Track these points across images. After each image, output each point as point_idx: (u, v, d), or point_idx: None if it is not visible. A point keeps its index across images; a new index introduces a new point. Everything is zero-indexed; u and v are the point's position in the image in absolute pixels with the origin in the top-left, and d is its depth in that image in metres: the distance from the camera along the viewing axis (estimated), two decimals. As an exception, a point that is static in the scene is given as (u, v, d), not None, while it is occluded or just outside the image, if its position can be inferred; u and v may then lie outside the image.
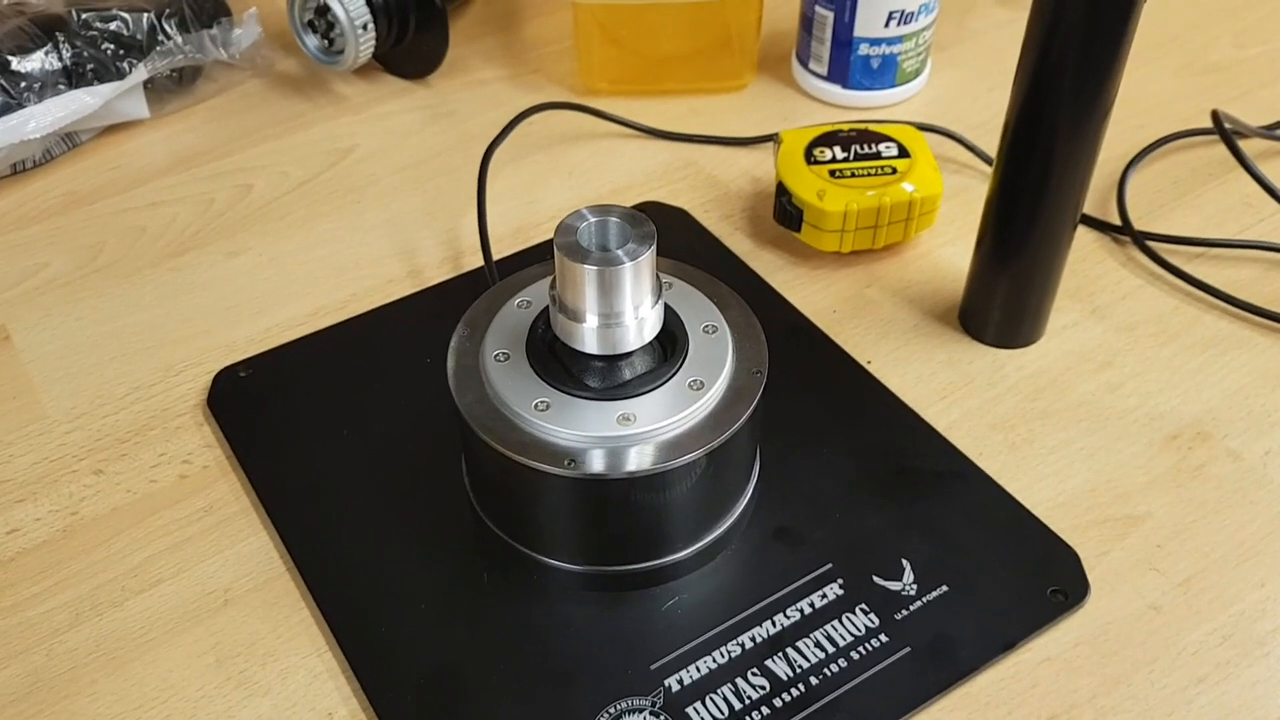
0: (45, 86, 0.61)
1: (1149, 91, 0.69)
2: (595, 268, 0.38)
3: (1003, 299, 0.52)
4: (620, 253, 0.39)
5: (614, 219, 0.40)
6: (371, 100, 0.69)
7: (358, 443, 0.49)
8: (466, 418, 0.41)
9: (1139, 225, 0.58)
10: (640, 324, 0.40)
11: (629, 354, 0.41)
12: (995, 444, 0.49)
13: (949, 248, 0.59)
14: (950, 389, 0.51)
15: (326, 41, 0.66)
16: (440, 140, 0.66)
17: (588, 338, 0.40)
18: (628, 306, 0.40)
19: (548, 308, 0.42)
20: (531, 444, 0.40)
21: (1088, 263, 0.58)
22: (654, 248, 0.39)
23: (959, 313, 0.54)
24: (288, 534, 0.45)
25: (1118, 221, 0.59)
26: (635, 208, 0.60)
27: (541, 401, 0.40)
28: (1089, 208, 0.60)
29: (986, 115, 0.67)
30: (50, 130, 0.61)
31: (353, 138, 0.67)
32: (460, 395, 0.41)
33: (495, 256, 0.57)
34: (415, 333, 0.54)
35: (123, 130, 0.66)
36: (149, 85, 0.66)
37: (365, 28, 0.64)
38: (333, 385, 0.51)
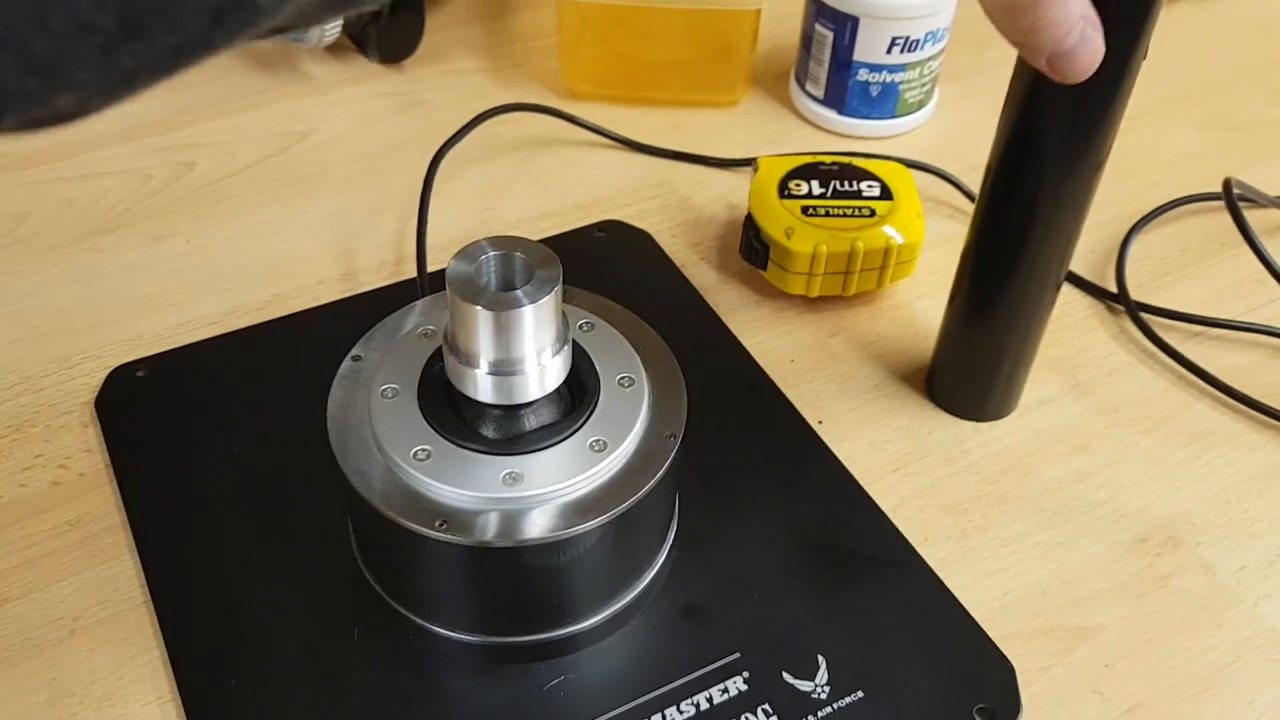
0: (-18, 41, 0.58)
1: (1167, 147, 0.63)
2: (489, 311, 0.34)
3: (972, 365, 0.47)
4: (520, 293, 0.34)
5: (518, 254, 0.36)
6: (339, 82, 0.65)
7: (246, 466, 0.45)
8: (338, 459, 0.37)
9: (1137, 295, 0.53)
10: (542, 372, 0.36)
11: (529, 404, 0.37)
12: (944, 529, 0.44)
13: (926, 300, 0.54)
14: (904, 461, 0.47)
15: (290, 17, 0.62)
16: (405, 131, 0.62)
17: (480, 384, 0.36)
18: (528, 353, 0.35)
19: (444, 343, 0.38)
20: (402, 497, 0.35)
21: (1075, 331, 0.53)
22: (558, 289, 0.35)
23: (925, 376, 0.50)
24: (150, 562, 0.41)
25: (1114, 288, 0.54)
26: (595, 226, 0.56)
27: (423, 450, 0.36)
28: (1084, 270, 0.55)
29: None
30: (-16, 88, 0.57)
31: (312, 121, 0.62)
32: (338, 434, 0.37)
33: (439, 265, 0.53)
34: (334, 344, 0.49)
35: (69, 93, 0.63)
36: (100, 48, 0.62)
37: (329, 6, 0.60)
38: (232, 396, 0.47)
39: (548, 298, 0.35)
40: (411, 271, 0.54)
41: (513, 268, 0.36)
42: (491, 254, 0.36)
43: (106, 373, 0.48)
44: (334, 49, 0.66)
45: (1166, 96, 0.67)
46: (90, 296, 0.52)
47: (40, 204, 0.57)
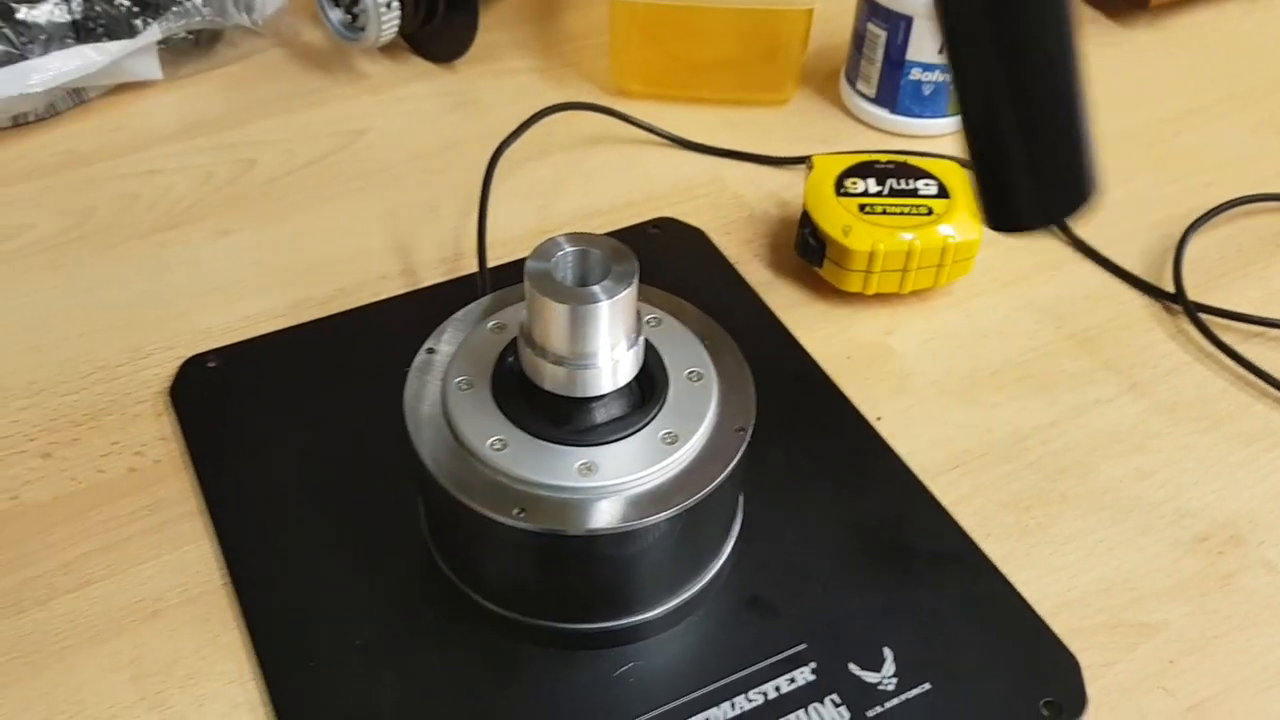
0: (51, 39, 0.59)
1: (1220, 148, 0.63)
2: (566, 305, 0.35)
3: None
4: (597, 289, 0.35)
5: (595, 250, 0.36)
6: (393, 81, 0.66)
7: (319, 454, 0.45)
8: (416, 448, 0.37)
9: (1194, 295, 0.54)
10: (615, 366, 0.37)
11: (601, 396, 0.37)
12: (1005, 526, 0.45)
13: (983, 298, 0.54)
14: (963, 458, 0.47)
15: (350, 16, 0.63)
16: (459, 130, 0.63)
17: (555, 377, 0.37)
18: (602, 347, 0.36)
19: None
20: (480, 486, 0.36)
21: (1133, 330, 0.53)
22: (635, 286, 0.36)
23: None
24: (229, 546, 0.42)
25: (1171, 288, 0.54)
26: (649, 223, 0.57)
27: (499, 440, 0.37)
28: (1141, 270, 0.55)
29: (1043, 156, 0.62)
30: (53, 85, 0.59)
31: (368, 120, 0.63)
32: (414, 423, 0.38)
33: (498, 262, 0.53)
34: (398, 338, 0.50)
35: (132, 90, 0.64)
36: (163, 46, 0.63)
37: (389, 5, 0.61)
38: (303, 386, 0.48)
39: (624, 294, 0.35)
40: (469, 267, 0.55)
41: (588, 263, 0.37)
42: (568, 250, 0.36)
43: (178, 363, 0.49)
44: (387, 49, 0.67)
45: (1219, 98, 0.67)
46: (158, 290, 0.53)
47: (105, 200, 0.58)
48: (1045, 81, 0.32)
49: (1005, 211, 0.34)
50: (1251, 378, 0.50)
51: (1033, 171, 0.33)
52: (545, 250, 0.36)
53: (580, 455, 0.37)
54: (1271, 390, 0.50)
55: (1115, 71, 0.69)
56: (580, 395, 0.37)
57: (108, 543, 0.43)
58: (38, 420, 0.47)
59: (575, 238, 0.36)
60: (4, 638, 0.40)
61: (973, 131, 0.34)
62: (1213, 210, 0.58)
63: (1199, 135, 0.65)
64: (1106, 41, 0.72)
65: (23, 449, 0.46)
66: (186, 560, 0.43)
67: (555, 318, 0.35)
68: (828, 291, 0.54)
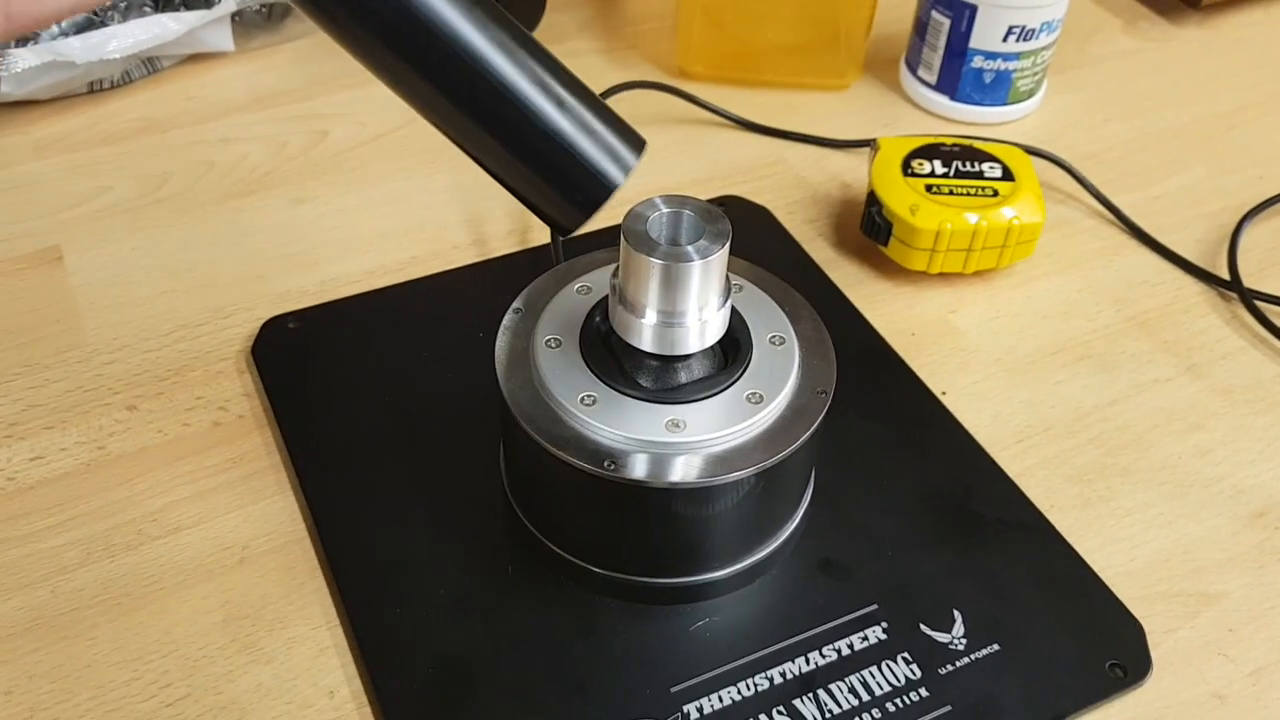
0: (130, 8, 0.60)
1: (1273, 141, 0.64)
2: (662, 262, 0.36)
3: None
4: (690, 249, 0.36)
5: (688, 211, 0.37)
6: (459, 59, 0.67)
7: (398, 412, 0.47)
8: (509, 403, 0.38)
9: (1249, 282, 0.54)
10: (703, 326, 0.38)
11: (687, 356, 0.39)
12: (1069, 497, 0.46)
13: (1044, 281, 0.55)
14: (1027, 433, 0.48)
15: (420, -7, 0.64)
16: (524, 108, 0.64)
17: (646, 334, 0.38)
18: (692, 306, 0.37)
19: (607, 296, 0.40)
20: (572, 439, 0.37)
21: (1189, 315, 0.54)
22: (727, 247, 0.37)
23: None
24: (314, 497, 0.43)
25: (1226, 275, 0.55)
26: (715, 201, 0.58)
27: (589, 395, 0.38)
28: (1196, 257, 0.56)
29: (1099, 147, 0.63)
30: (131, 52, 0.60)
31: (435, 95, 0.64)
32: (505, 378, 0.39)
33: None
34: (472, 305, 0.52)
35: (205, 61, 0.65)
36: (236, 18, 0.64)
37: (461, -17, 0.62)
38: (381, 349, 0.49)
39: (717, 254, 0.36)
40: (537, 240, 0.56)
41: (681, 224, 0.38)
42: (664, 210, 0.37)
43: (259, 324, 0.50)
44: (454, 27, 0.68)
45: (1270, 94, 0.68)
46: (237, 253, 0.54)
47: (182, 166, 0.59)
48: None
49: (551, 223, 0.36)
50: (1309, 362, 0.51)
51: (540, 192, 0.35)
52: (641, 210, 0.37)
53: (668, 413, 0.38)
54: (1329, 375, 0.51)
55: (1168, 68, 0.70)
56: (669, 354, 0.38)
57: (194, 492, 0.44)
58: (121, 375, 0.48)
59: (670, 199, 0.37)
60: (94, 581, 0.41)
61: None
62: (1266, 201, 0.59)
63: (1251, 129, 0.66)
64: (1159, 39, 0.73)
65: (108, 401, 0.47)
66: (271, 511, 0.44)
67: (650, 275, 0.36)
68: (891, 270, 0.55)
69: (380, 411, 0.47)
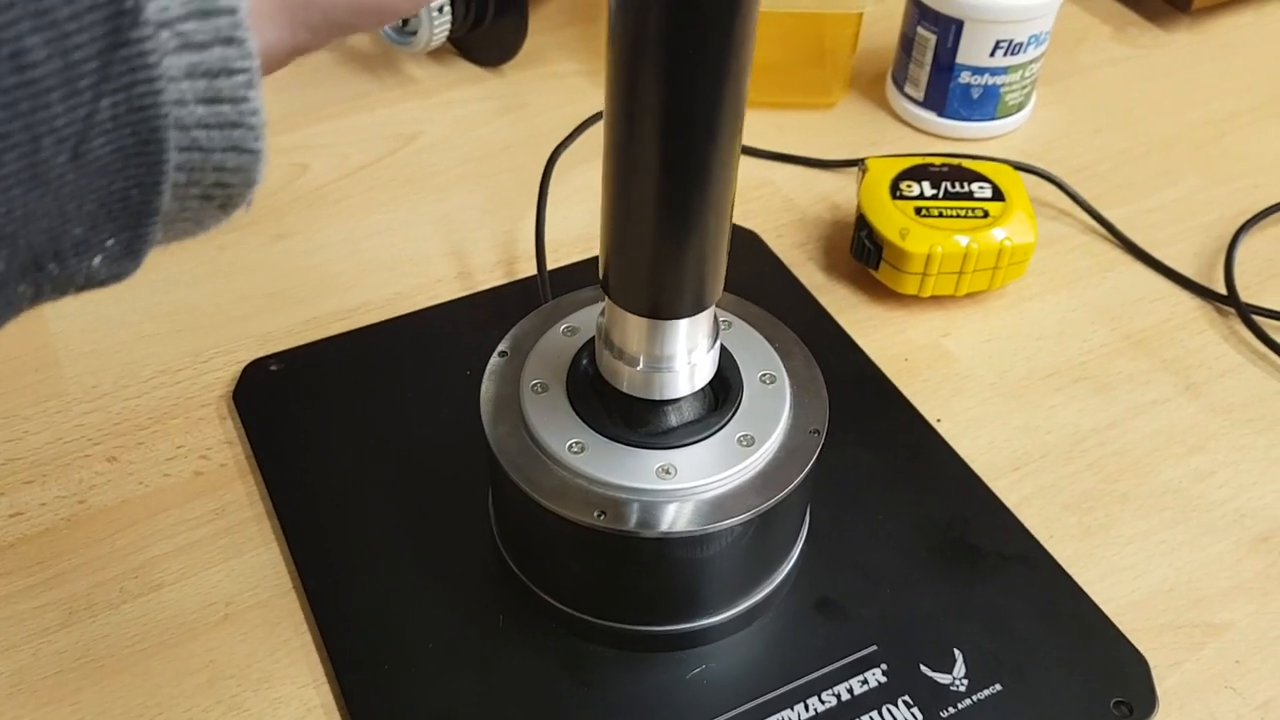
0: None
1: (1267, 149, 0.64)
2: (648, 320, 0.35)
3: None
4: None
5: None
6: (441, 85, 0.66)
7: (384, 456, 0.46)
8: (496, 452, 0.38)
9: (1246, 296, 0.54)
10: (692, 370, 0.37)
11: (677, 399, 0.38)
12: (1068, 526, 0.45)
13: (1037, 301, 0.54)
14: (1024, 460, 0.47)
15: (401, 21, 0.64)
16: (508, 134, 0.63)
17: (632, 379, 0.37)
18: (680, 351, 0.36)
19: (593, 338, 0.39)
20: (562, 489, 0.36)
21: (1187, 332, 0.53)
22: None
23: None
24: (297, 549, 0.43)
25: (1223, 290, 0.54)
26: (703, 227, 0.57)
27: (577, 443, 0.37)
28: (1192, 271, 0.56)
29: (1090, 159, 0.63)
30: (107, 90, 0.59)
31: (418, 124, 0.64)
32: (492, 425, 0.38)
33: (553, 265, 0.54)
34: (459, 341, 0.51)
35: (183, 95, 0.64)
36: (214, 51, 0.63)
37: (441, 10, 0.61)
38: (366, 390, 0.48)
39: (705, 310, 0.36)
40: (524, 270, 0.55)
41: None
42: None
43: (240, 367, 0.49)
44: (434, 53, 0.67)
45: (1262, 100, 0.67)
46: (219, 293, 0.53)
47: (162, 203, 0.58)
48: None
49: None
50: (1309, 379, 0.50)
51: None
52: (625, 256, 0.36)
53: (659, 458, 0.37)
54: (1330, 392, 0.50)
55: (1159, 75, 0.69)
56: (657, 398, 0.37)
57: (176, 546, 0.43)
58: (101, 424, 0.48)
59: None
60: (76, 643, 0.40)
61: None
62: (1262, 212, 0.58)
63: (1244, 137, 0.65)
64: (1149, 45, 0.72)
65: (88, 453, 0.46)
66: (255, 564, 0.43)
67: (636, 321, 0.35)
68: (882, 294, 0.54)
69: (366, 456, 0.46)
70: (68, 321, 0.52)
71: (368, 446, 0.46)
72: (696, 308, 0.35)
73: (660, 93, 0.31)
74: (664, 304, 0.35)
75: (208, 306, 0.53)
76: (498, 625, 0.41)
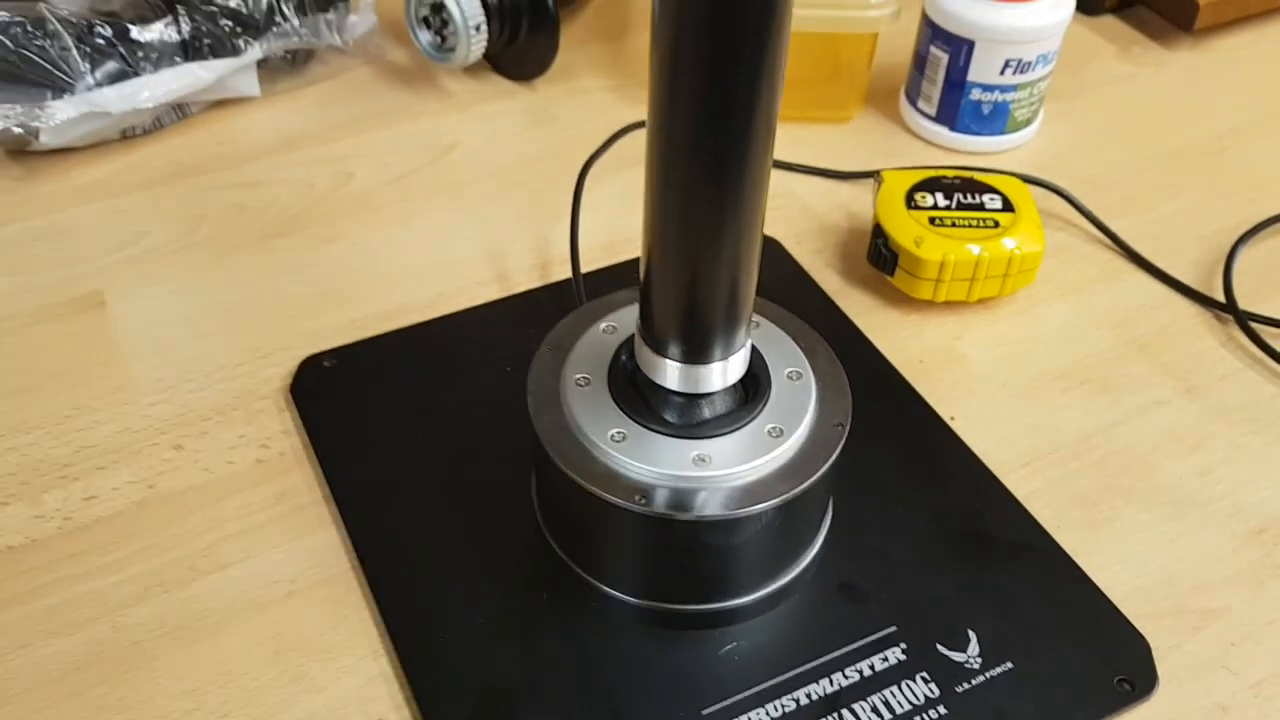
0: (162, 57, 0.62)
1: (1266, 163, 0.67)
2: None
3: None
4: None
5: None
6: (476, 99, 0.69)
7: (433, 446, 0.49)
8: (543, 441, 0.41)
9: (1245, 304, 0.57)
10: (725, 366, 0.40)
11: (711, 393, 0.41)
12: (1075, 519, 0.48)
13: (1046, 307, 0.57)
14: (1033, 456, 0.50)
15: (439, 38, 0.67)
16: (540, 145, 0.66)
17: (671, 374, 0.40)
18: (717, 352, 0.39)
19: (632, 336, 0.42)
20: (605, 475, 0.40)
21: (1187, 338, 0.56)
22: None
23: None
24: (356, 531, 0.46)
25: (1222, 298, 0.57)
26: (729, 235, 0.60)
27: (618, 432, 0.40)
28: (1192, 280, 0.58)
29: (1096, 172, 0.66)
30: (163, 101, 0.62)
31: (454, 135, 0.67)
32: (538, 417, 0.41)
33: (584, 269, 0.57)
34: (498, 339, 0.54)
35: (232, 105, 0.67)
36: (261, 64, 0.67)
37: (479, 29, 0.65)
38: (414, 384, 0.51)
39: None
40: (558, 274, 0.58)
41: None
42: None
43: (294, 363, 0.52)
44: (470, 68, 0.70)
45: (1262, 116, 0.70)
46: (272, 293, 0.56)
47: (215, 209, 0.61)
48: None
49: None
50: (1302, 382, 0.53)
51: None
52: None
53: (694, 448, 0.40)
54: (1322, 394, 0.53)
55: (1162, 92, 0.72)
56: (693, 392, 0.40)
57: (241, 529, 0.46)
58: (167, 415, 0.51)
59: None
60: (151, 616, 0.43)
61: None
62: (1260, 224, 0.61)
63: (1244, 152, 0.68)
64: (1153, 64, 0.75)
65: (155, 442, 0.50)
66: (316, 545, 0.46)
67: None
68: (898, 299, 0.57)
69: (416, 445, 0.49)
70: (131, 318, 0.55)
71: (417, 436, 0.49)
72: (730, 320, 0.38)
73: (701, 114, 0.34)
74: (700, 315, 0.38)
75: (264, 305, 0.56)
76: (542, 602, 0.44)
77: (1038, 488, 0.49)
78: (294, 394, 0.51)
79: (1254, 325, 0.56)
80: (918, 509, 0.47)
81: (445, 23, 0.66)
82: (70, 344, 0.53)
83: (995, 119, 0.66)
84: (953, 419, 0.51)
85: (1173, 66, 0.75)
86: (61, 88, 0.60)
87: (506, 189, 0.63)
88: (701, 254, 0.37)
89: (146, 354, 0.53)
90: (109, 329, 0.54)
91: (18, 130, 0.59)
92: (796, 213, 0.63)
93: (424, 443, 0.49)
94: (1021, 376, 0.54)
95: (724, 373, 0.40)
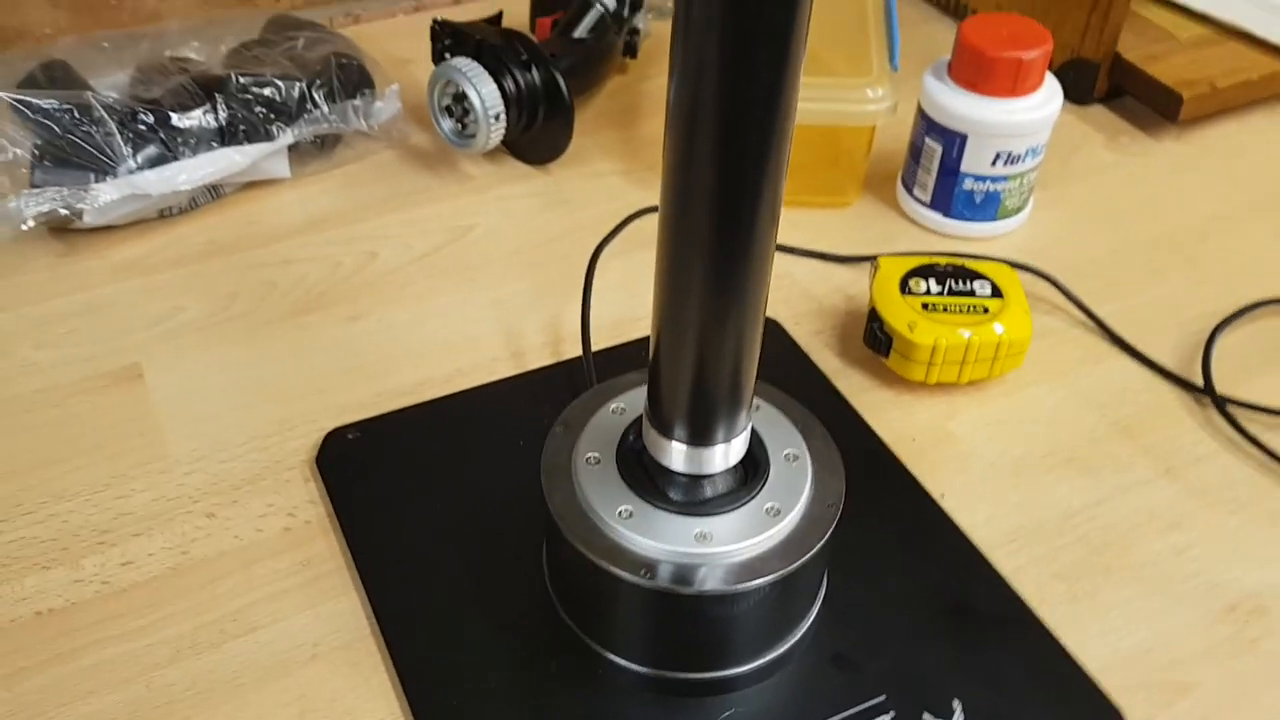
0: (200, 142, 0.66)
1: (1247, 251, 0.70)
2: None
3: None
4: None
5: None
6: (494, 182, 0.73)
7: (450, 515, 0.52)
8: (555, 517, 0.44)
9: (1223, 388, 0.60)
10: (728, 448, 0.43)
11: (713, 474, 0.44)
12: (1057, 594, 0.50)
13: (1034, 389, 0.60)
14: (1020, 533, 0.53)
15: (460, 125, 0.71)
16: (554, 227, 0.70)
17: (676, 456, 0.43)
18: (719, 435, 0.42)
19: (640, 417, 0.45)
20: (612, 549, 0.42)
21: (1166, 420, 0.59)
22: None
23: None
24: (376, 597, 0.48)
25: (1200, 382, 0.60)
26: (732, 317, 0.63)
27: (625, 509, 0.43)
28: (1173, 364, 0.61)
29: (1082, 258, 0.69)
30: (199, 183, 0.66)
31: (473, 216, 0.70)
32: (550, 494, 0.44)
33: (595, 347, 0.60)
34: (512, 415, 0.57)
35: (264, 187, 0.71)
36: (292, 148, 0.71)
37: (498, 118, 0.68)
38: (433, 457, 0.54)
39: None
40: (570, 352, 0.61)
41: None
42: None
43: (321, 434, 0.55)
44: (489, 153, 0.74)
45: (1245, 204, 0.74)
46: (299, 368, 0.60)
47: (247, 286, 0.65)
48: None
49: None
50: (1274, 465, 0.56)
51: None
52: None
53: (696, 525, 0.43)
54: (1293, 477, 0.55)
55: (1147, 181, 0.76)
56: (696, 473, 0.43)
57: (269, 594, 0.49)
58: (200, 484, 0.54)
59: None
60: (184, 677, 0.46)
61: None
62: (1239, 311, 0.64)
63: (1226, 239, 0.71)
64: (1139, 153, 0.79)
65: (189, 510, 0.53)
66: (339, 610, 0.49)
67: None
68: (892, 380, 0.60)
69: (434, 515, 0.52)
70: (167, 390, 0.58)
71: (435, 506, 0.52)
72: (733, 405, 0.41)
73: (711, 208, 0.37)
74: (705, 402, 0.41)
75: (292, 379, 0.59)
76: (550, 669, 0.46)
77: (1022, 564, 0.52)
78: (319, 465, 0.54)
79: (1230, 409, 0.59)
80: (907, 583, 0.50)
81: (466, 111, 0.69)
82: (109, 415, 0.57)
83: (987, 207, 0.69)
84: (942, 496, 0.54)
85: (1158, 155, 0.79)
86: (105, 170, 0.64)
87: (522, 269, 0.67)
88: (707, 345, 0.40)
89: (182, 425, 0.56)
90: (147, 401, 0.58)
91: (64, 212, 0.63)
92: (796, 295, 0.66)
93: (442, 513, 0.52)
94: (1009, 456, 0.57)
95: (726, 455, 0.43)
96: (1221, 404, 0.59)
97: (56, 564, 0.50)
